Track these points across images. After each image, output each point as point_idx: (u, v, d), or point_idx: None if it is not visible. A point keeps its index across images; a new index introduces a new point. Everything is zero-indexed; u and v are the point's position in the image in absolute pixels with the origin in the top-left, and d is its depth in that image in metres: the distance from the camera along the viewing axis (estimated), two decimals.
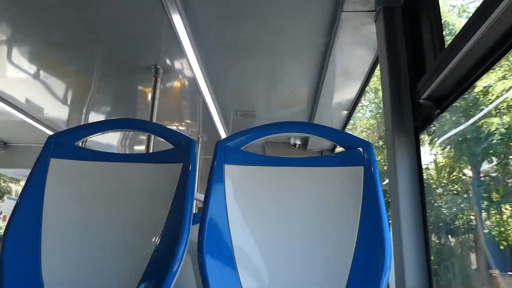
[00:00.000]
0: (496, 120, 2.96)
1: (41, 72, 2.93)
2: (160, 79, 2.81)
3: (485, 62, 1.22)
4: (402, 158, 1.58)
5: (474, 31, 1.15)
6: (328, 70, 2.61)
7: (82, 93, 3.35)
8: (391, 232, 1.39)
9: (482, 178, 3.30)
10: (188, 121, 3.97)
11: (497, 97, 2.93)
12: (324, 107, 3.29)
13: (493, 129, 2.93)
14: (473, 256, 3.48)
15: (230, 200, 1.29)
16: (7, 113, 3.64)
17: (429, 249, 1.48)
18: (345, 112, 3.41)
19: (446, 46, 1.49)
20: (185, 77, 2.91)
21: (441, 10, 1.60)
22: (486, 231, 3.16)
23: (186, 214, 1.24)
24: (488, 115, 3.05)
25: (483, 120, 3.09)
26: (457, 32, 1.30)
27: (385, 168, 1.92)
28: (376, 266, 1.16)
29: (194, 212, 1.32)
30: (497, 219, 3.03)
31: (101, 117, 3.87)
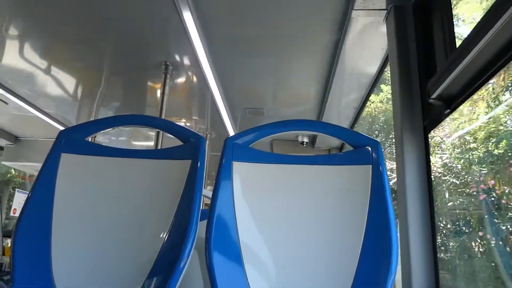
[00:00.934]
0: None
1: (52, 67, 2.96)
2: (170, 76, 2.83)
3: (496, 63, 1.21)
4: (411, 158, 1.58)
5: (486, 32, 1.15)
6: (337, 68, 2.60)
7: (92, 89, 3.37)
8: (398, 232, 1.39)
9: None
10: (196, 118, 3.98)
11: None
12: (332, 105, 3.28)
13: None
14: None
15: (238, 197, 1.30)
16: (18, 108, 3.68)
17: (436, 250, 1.47)
18: (354, 111, 3.40)
19: (457, 46, 1.49)
20: (194, 74, 2.92)
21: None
22: None
23: (194, 211, 1.25)
24: None
25: None
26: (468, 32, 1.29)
27: None
28: (382, 266, 1.16)
29: (202, 208, 1.33)
30: None
31: (110, 113, 3.90)
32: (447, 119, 1.51)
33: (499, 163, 2.53)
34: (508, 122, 2.47)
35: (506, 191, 2.37)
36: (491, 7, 1.15)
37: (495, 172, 2.53)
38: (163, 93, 2.81)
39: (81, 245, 1.27)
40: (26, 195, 1.32)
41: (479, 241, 2.52)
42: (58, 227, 1.26)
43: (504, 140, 2.47)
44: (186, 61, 2.74)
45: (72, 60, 2.87)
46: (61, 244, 1.24)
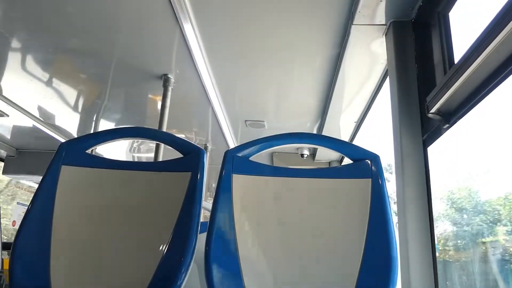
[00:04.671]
0: None
1: (53, 79, 2.97)
2: (171, 88, 2.84)
3: (494, 78, 1.22)
4: (410, 172, 1.58)
5: (485, 47, 1.16)
6: (337, 82, 2.62)
7: (93, 101, 3.39)
8: (398, 245, 1.39)
9: None
10: (196, 130, 3.99)
11: None
12: (333, 118, 3.29)
13: None
14: None
15: (238, 210, 1.30)
16: (19, 120, 3.69)
17: (436, 263, 1.47)
18: (354, 124, 3.41)
19: (456, 61, 1.50)
20: (195, 87, 2.93)
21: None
22: None
23: (193, 223, 1.26)
24: None
25: None
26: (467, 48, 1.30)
27: None
28: (383, 279, 1.16)
29: (202, 221, 1.33)
30: None
31: (111, 125, 3.91)
32: None
33: None
34: None
35: None
36: (490, 23, 1.17)
37: None
38: (163, 105, 2.82)
39: (80, 258, 1.26)
40: (26, 208, 1.32)
41: None
42: (57, 240, 1.26)
43: None
44: (187, 74, 2.75)
45: (73, 72, 2.88)
46: (60, 257, 1.24)
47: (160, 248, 1.26)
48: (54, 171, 1.37)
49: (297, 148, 4.36)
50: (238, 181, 1.35)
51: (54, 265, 1.21)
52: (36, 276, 1.20)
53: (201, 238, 1.24)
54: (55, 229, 1.27)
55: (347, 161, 1.45)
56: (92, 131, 4.03)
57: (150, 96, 3.22)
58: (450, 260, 2.21)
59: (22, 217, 1.28)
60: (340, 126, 3.49)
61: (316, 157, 4.45)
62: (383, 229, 1.23)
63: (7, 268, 1.21)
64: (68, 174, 1.38)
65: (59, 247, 1.25)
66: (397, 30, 1.83)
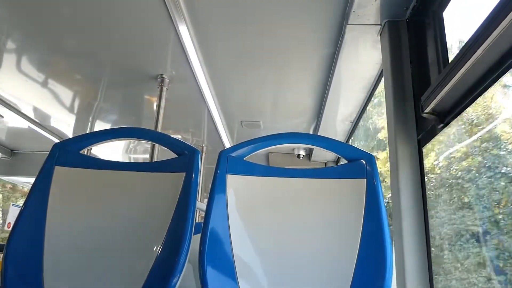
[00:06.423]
0: None
1: (49, 80, 2.96)
2: (166, 89, 2.83)
3: (489, 77, 1.22)
4: (405, 171, 1.58)
5: (479, 46, 1.16)
6: (333, 82, 2.62)
7: (88, 102, 3.37)
8: (393, 245, 1.38)
9: None
10: (192, 131, 3.98)
11: None
12: (328, 118, 3.29)
13: None
14: None
15: (232, 210, 1.30)
16: (14, 121, 3.68)
17: (431, 263, 1.47)
18: (349, 124, 3.41)
19: (450, 60, 1.50)
20: (190, 87, 2.92)
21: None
22: None
23: (188, 224, 1.25)
24: None
25: None
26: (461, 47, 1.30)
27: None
28: (377, 280, 1.16)
29: (196, 221, 1.33)
30: None
31: (106, 126, 3.89)
32: None
33: None
34: None
35: None
36: (483, 22, 1.17)
37: None
38: (159, 106, 2.81)
39: (74, 259, 1.26)
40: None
41: None
42: (50, 240, 1.25)
43: None
44: (182, 74, 2.75)
45: (69, 73, 2.87)
46: (53, 258, 1.23)
47: (155, 248, 1.25)
48: (47, 172, 1.36)
49: (293, 149, 4.35)
50: (233, 181, 1.35)
51: (47, 267, 1.21)
52: (29, 277, 1.19)
53: (196, 239, 1.23)
54: (48, 231, 1.26)
55: (344, 161, 1.45)
56: (87, 132, 4.01)
57: (145, 96, 3.22)
58: None
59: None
60: (336, 126, 3.49)
61: (312, 157, 4.45)
62: (377, 228, 1.23)
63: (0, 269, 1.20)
64: (61, 175, 1.37)
65: (52, 249, 1.24)
66: (392, 30, 1.83)
